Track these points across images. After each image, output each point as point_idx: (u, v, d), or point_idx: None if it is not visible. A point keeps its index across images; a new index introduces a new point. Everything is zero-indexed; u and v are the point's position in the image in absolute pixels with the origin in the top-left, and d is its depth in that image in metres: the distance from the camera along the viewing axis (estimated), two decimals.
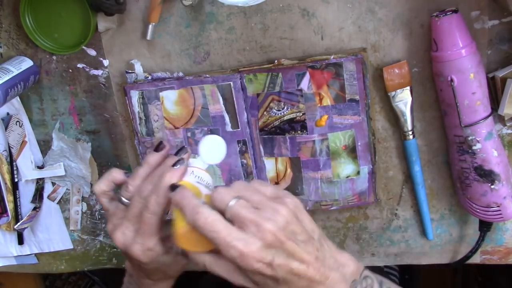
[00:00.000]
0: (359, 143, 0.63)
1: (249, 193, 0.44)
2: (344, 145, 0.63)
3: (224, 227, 0.41)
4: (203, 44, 0.63)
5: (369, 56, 0.60)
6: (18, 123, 0.70)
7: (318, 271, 0.43)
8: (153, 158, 0.52)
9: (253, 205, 0.43)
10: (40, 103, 0.70)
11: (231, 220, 0.42)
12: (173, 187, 0.47)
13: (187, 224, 0.44)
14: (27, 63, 0.66)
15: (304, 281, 0.43)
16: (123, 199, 0.51)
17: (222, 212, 0.43)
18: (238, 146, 0.65)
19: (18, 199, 0.74)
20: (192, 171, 0.50)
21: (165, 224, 0.50)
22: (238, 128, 0.64)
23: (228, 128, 0.65)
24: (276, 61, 0.60)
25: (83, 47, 0.64)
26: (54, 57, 0.67)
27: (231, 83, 0.62)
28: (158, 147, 0.52)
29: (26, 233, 0.78)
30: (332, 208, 0.67)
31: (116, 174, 0.53)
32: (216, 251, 0.44)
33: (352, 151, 0.63)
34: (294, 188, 0.66)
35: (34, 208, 0.75)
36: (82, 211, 0.76)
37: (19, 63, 0.65)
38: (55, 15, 0.62)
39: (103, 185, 0.53)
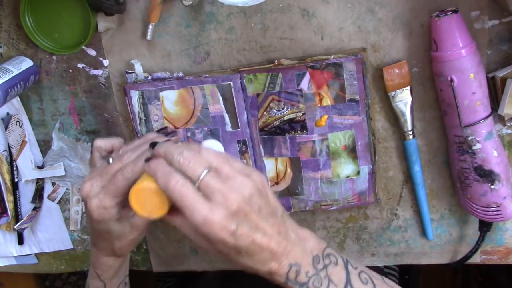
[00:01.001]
0: (359, 143, 0.63)
1: (220, 163, 0.45)
2: (344, 145, 0.63)
3: (193, 193, 0.43)
4: (203, 44, 0.63)
5: (369, 56, 0.60)
6: (18, 123, 0.71)
7: (280, 244, 0.45)
8: (152, 135, 0.56)
9: (222, 176, 0.44)
10: (40, 103, 0.70)
11: (199, 189, 0.43)
12: (149, 159, 0.48)
13: (150, 185, 0.46)
14: (27, 63, 0.66)
15: (267, 253, 0.44)
16: (110, 160, 0.53)
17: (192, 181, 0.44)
18: (238, 146, 0.65)
19: (18, 199, 0.74)
20: None
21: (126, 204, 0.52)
22: (238, 128, 0.64)
23: (228, 128, 0.65)
24: (276, 61, 0.60)
25: (83, 47, 0.64)
26: (54, 57, 0.67)
27: (231, 83, 0.62)
28: (161, 130, 0.56)
29: (26, 233, 0.78)
30: (332, 208, 0.67)
31: (118, 141, 0.57)
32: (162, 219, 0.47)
33: (352, 151, 0.63)
34: (294, 188, 0.66)
35: (34, 208, 0.75)
36: (82, 211, 0.76)
37: (19, 63, 0.65)
38: (55, 15, 0.62)
39: (102, 143, 0.56)
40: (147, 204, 0.46)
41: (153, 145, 0.49)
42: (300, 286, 0.46)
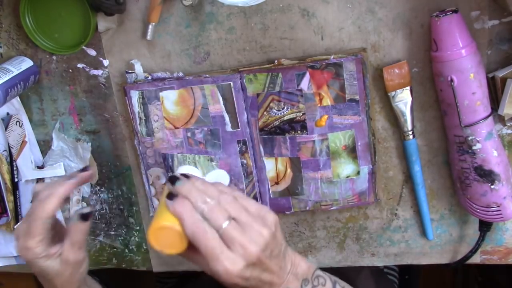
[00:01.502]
0: (359, 143, 0.63)
1: (237, 211, 0.48)
2: (344, 145, 0.63)
3: (219, 245, 0.47)
4: (203, 44, 0.63)
5: (369, 56, 0.60)
6: (18, 123, 0.70)
7: (279, 277, 0.50)
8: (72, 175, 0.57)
9: (241, 225, 0.48)
10: (40, 103, 0.70)
11: (221, 237, 0.47)
12: (170, 196, 0.50)
13: (174, 226, 0.48)
14: (27, 63, 0.66)
15: (267, 286, 0.50)
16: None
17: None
18: (238, 146, 0.65)
19: (18, 199, 0.74)
20: None
21: (53, 232, 0.54)
22: (238, 128, 0.64)
23: (228, 128, 0.65)
24: (276, 61, 0.60)
25: (83, 47, 0.64)
26: (54, 57, 0.67)
27: (231, 83, 0.62)
28: (83, 169, 0.57)
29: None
30: (332, 208, 0.67)
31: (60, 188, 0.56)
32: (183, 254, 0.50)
33: (352, 151, 0.63)
34: (294, 188, 0.66)
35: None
36: None
37: (19, 63, 0.65)
38: (55, 15, 0.62)
39: (40, 187, 0.56)
40: (166, 241, 0.49)
41: (171, 179, 0.51)
42: None
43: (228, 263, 0.46)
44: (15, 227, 0.56)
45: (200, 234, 0.47)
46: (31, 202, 0.56)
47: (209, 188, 0.50)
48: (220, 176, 0.59)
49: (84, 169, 0.57)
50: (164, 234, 0.49)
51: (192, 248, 0.50)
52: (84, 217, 0.53)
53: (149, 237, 0.50)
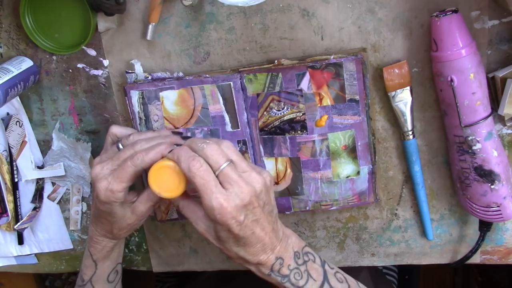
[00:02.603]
0: (359, 143, 0.63)
1: (238, 158, 0.50)
2: (344, 145, 0.63)
3: (214, 180, 0.47)
4: (203, 44, 0.63)
5: (369, 56, 0.60)
6: (18, 123, 0.70)
7: (271, 239, 0.50)
8: (165, 132, 0.60)
9: (239, 169, 0.49)
10: (40, 103, 0.70)
11: (218, 178, 0.48)
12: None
13: (172, 165, 0.50)
14: (27, 63, 0.66)
15: (260, 246, 0.50)
16: (120, 145, 0.57)
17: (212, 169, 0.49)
18: (238, 146, 0.65)
19: (18, 199, 0.74)
20: None
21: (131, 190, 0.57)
22: (238, 128, 0.64)
23: (228, 128, 0.65)
24: (276, 61, 0.60)
25: (83, 47, 0.64)
26: (54, 57, 0.67)
27: (231, 83, 0.62)
28: (175, 133, 0.60)
29: (26, 233, 0.78)
30: (332, 208, 0.67)
31: (131, 132, 0.60)
32: (175, 201, 0.53)
33: (352, 151, 0.63)
34: (294, 188, 0.66)
35: (34, 208, 0.75)
36: (82, 211, 0.76)
37: (19, 63, 0.65)
38: (55, 15, 0.62)
39: (118, 130, 0.60)
40: (164, 183, 0.51)
41: (183, 138, 0.55)
42: (282, 278, 0.51)
43: (223, 198, 0.46)
44: (94, 160, 0.57)
45: (195, 167, 0.47)
46: (106, 140, 0.59)
47: (213, 139, 0.52)
48: None
49: (178, 133, 0.59)
50: (163, 174, 0.51)
51: (188, 196, 0.53)
52: None
53: (149, 178, 0.51)
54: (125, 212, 0.56)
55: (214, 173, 0.48)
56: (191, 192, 0.55)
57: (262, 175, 0.49)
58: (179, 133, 0.59)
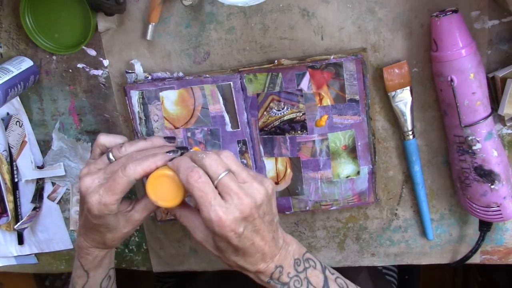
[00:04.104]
0: (359, 143, 0.63)
1: (238, 168, 0.49)
2: (344, 145, 0.63)
3: (212, 191, 0.46)
4: (203, 44, 0.63)
5: (369, 56, 0.60)
6: (18, 123, 0.70)
7: (271, 248, 0.49)
8: (158, 141, 0.57)
9: (239, 179, 0.48)
10: (40, 103, 0.70)
11: (217, 188, 0.47)
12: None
13: (170, 174, 0.49)
14: (27, 63, 0.66)
15: (259, 255, 0.49)
16: (111, 156, 0.54)
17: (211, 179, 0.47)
18: (238, 146, 0.65)
19: (18, 199, 0.74)
20: None
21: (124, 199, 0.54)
22: (238, 128, 0.64)
23: (228, 128, 0.65)
24: (276, 61, 0.60)
25: (83, 47, 0.64)
26: (54, 57, 0.67)
27: (231, 83, 0.62)
28: (169, 138, 0.58)
29: (26, 233, 0.78)
30: (332, 208, 0.67)
31: (121, 140, 0.57)
32: (172, 210, 0.52)
33: (352, 151, 0.63)
34: (294, 188, 0.66)
35: (34, 208, 0.75)
36: None
37: (19, 63, 0.65)
38: (55, 15, 0.62)
39: (106, 140, 0.57)
40: (162, 192, 0.50)
41: (181, 149, 0.53)
42: (282, 285, 0.50)
43: (221, 211, 0.45)
44: (81, 170, 0.54)
45: (193, 178, 0.46)
46: (107, 156, 0.55)
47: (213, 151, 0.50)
48: None
49: (171, 138, 0.57)
50: (161, 183, 0.49)
51: (186, 205, 0.51)
52: None
53: (147, 187, 0.50)
54: (118, 222, 0.55)
55: (213, 183, 0.47)
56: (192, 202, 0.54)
57: (263, 184, 0.48)
58: (172, 138, 0.57)
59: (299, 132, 0.63)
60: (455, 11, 0.53)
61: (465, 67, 0.53)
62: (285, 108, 0.62)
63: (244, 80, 0.62)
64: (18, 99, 0.70)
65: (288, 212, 0.68)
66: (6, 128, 0.71)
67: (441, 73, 0.55)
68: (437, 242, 0.69)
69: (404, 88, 0.59)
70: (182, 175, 0.47)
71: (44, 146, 0.73)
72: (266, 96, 0.62)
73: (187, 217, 0.51)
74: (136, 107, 0.66)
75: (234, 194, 0.46)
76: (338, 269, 0.73)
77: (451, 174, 0.64)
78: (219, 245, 0.48)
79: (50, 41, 0.64)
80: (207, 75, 0.62)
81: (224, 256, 0.49)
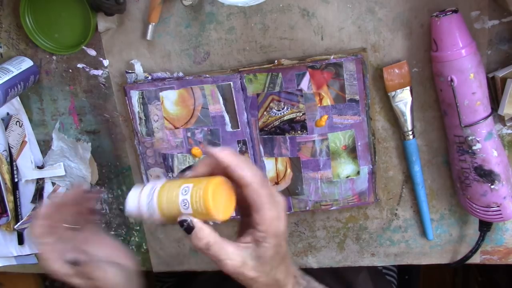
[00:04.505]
0: (359, 143, 0.63)
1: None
2: (344, 145, 0.63)
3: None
4: (203, 44, 0.63)
5: (369, 56, 0.60)
6: (18, 123, 0.70)
7: (283, 277, 0.48)
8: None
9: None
10: (40, 103, 0.70)
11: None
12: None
13: (225, 183, 0.44)
14: (27, 63, 0.66)
15: (288, 261, 0.48)
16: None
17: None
18: (238, 146, 0.65)
19: (18, 199, 0.74)
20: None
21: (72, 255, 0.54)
22: (238, 128, 0.64)
23: (228, 128, 0.65)
24: (276, 61, 0.60)
25: (83, 47, 0.64)
26: (54, 57, 0.67)
27: (231, 83, 0.62)
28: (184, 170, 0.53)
29: (26, 233, 0.78)
30: (332, 208, 0.67)
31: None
32: None
33: (352, 151, 0.63)
34: (294, 188, 0.66)
35: (34, 208, 0.75)
36: None
37: (19, 63, 0.65)
38: (55, 15, 0.62)
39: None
40: (220, 202, 0.43)
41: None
42: None
43: (236, 262, 0.44)
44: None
45: (260, 178, 0.43)
46: None
47: None
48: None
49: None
50: (220, 192, 0.43)
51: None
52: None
53: (207, 196, 0.42)
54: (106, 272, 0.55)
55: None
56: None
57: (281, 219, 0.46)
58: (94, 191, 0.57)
59: (299, 132, 0.63)
60: (455, 11, 0.53)
61: (465, 67, 0.53)
62: (285, 108, 0.62)
63: (244, 80, 0.62)
64: (18, 99, 0.70)
65: (288, 212, 0.68)
66: (6, 128, 0.71)
67: (441, 73, 0.55)
68: (437, 242, 0.69)
69: (404, 88, 0.59)
70: (201, 246, 0.44)
71: (44, 146, 0.73)
72: (266, 96, 0.62)
73: (219, 243, 0.44)
74: (136, 107, 0.66)
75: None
76: (338, 269, 0.73)
77: (451, 174, 0.64)
78: (267, 255, 0.45)
79: (50, 41, 0.64)
80: (207, 75, 0.62)
81: (265, 270, 0.46)
